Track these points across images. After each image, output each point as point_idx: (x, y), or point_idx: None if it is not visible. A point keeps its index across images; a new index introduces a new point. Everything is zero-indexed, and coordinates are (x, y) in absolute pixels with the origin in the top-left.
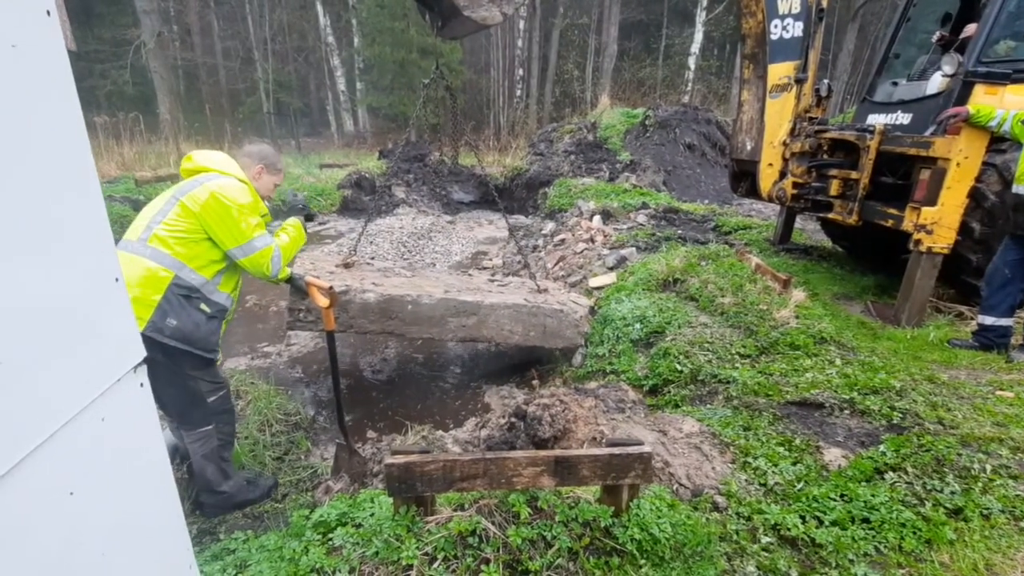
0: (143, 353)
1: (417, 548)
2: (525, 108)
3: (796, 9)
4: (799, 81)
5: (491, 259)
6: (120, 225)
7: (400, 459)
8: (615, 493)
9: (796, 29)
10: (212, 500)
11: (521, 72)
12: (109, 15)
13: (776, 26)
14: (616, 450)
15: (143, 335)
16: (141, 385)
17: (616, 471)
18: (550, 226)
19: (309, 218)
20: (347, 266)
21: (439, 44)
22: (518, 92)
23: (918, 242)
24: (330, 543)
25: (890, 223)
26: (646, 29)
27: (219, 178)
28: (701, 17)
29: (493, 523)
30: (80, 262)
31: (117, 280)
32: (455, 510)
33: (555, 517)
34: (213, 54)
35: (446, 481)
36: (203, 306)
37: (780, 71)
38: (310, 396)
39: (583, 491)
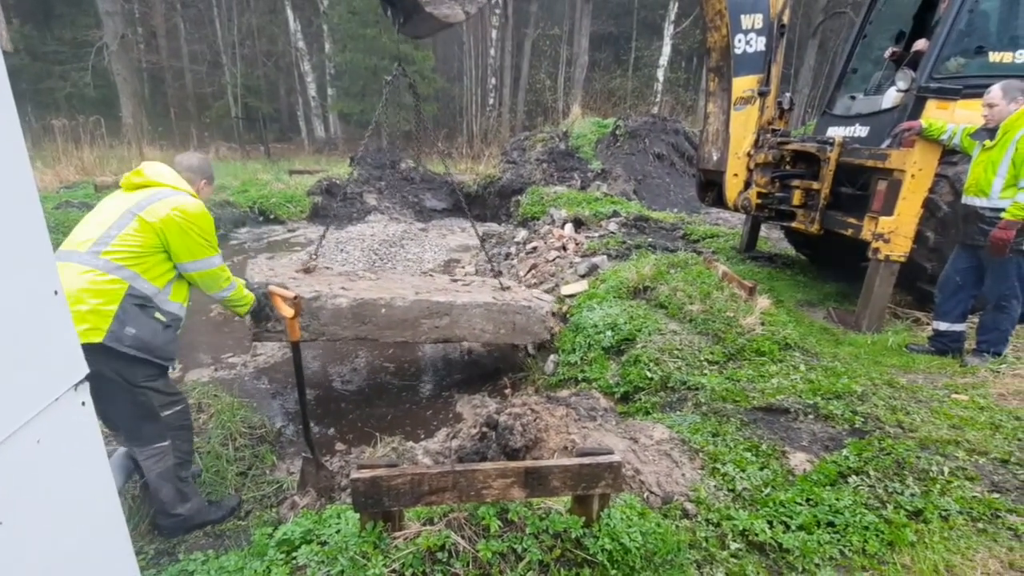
0: (85, 370)
1: (384, 565)
2: (498, 116)
3: (759, 24)
4: (762, 94)
5: (463, 267)
6: None
7: (366, 473)
8: (586, 503)
9: (759, 44)
10: (168, 523)
11: (494, 81)
12: (70, 15)
13: (740, 40)
14: (586, 460)
15: (103, 345)
16: (83, 404)
17: (586, 481)
18: (522, 234)
19: (256, 314)
20: (308, 271)
21: (411, 52)
22: (491, 101)
23: (876, 250)
24: (294, 562)
25: (850, 232)
26: (616, 41)
27: (175, 194)
28: (669, 31)
29: (463, 537)
30: (14, 274)
31: (56, 293)
32: (424, 524)
33: (526, 529)
34: (179, 57)
35: (414, 495)
36: (157, 315)
37: (744, 84)
38: (277, 408)
39: (554, 501)
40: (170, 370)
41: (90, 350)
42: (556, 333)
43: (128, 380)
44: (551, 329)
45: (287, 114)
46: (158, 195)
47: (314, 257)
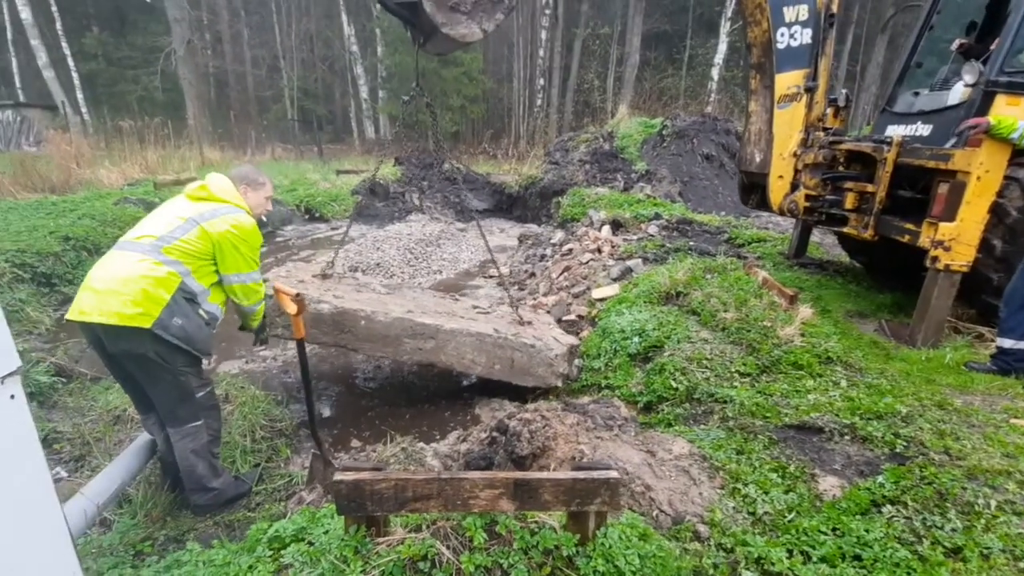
0: (17, 363)
1: (362, 572)
2: (545, 117)
3: (804, 16)
4: (809, 90)
5: (501, 266)
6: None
7: (350, 476)
8: (581, 520)
9: (804, 36)
10: (203, 499)
11: (542, 82)
12: (142, 22)
13: (783, 34)
14: (581, 474)
15: (150, 331)
16: (12, 397)
17: (581, 497)
18: (559, 235)
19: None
20: (324, 277)
21: (459, 54)
22: (538, 102)
23: (935, 259)
24: (280, 560)
25: (907, 239)
26: (669, 39)
27: (235, 211)
28: (726, 28)
29: (448, 547)
30: None
31: None
32: (410, 531)
33: (513, 544)
34: (242, 62)
35: (398, 501)
36: (201, 311)
37: (788, 80)
38: (299, 402)
39: (550, 516)
40: (204, 363)
41: (137, 333)
42: (573, 376)
43: (169, 364)
44: (561, 375)
45: (341, 116)
46: (221, 210)
47: (330, 265)
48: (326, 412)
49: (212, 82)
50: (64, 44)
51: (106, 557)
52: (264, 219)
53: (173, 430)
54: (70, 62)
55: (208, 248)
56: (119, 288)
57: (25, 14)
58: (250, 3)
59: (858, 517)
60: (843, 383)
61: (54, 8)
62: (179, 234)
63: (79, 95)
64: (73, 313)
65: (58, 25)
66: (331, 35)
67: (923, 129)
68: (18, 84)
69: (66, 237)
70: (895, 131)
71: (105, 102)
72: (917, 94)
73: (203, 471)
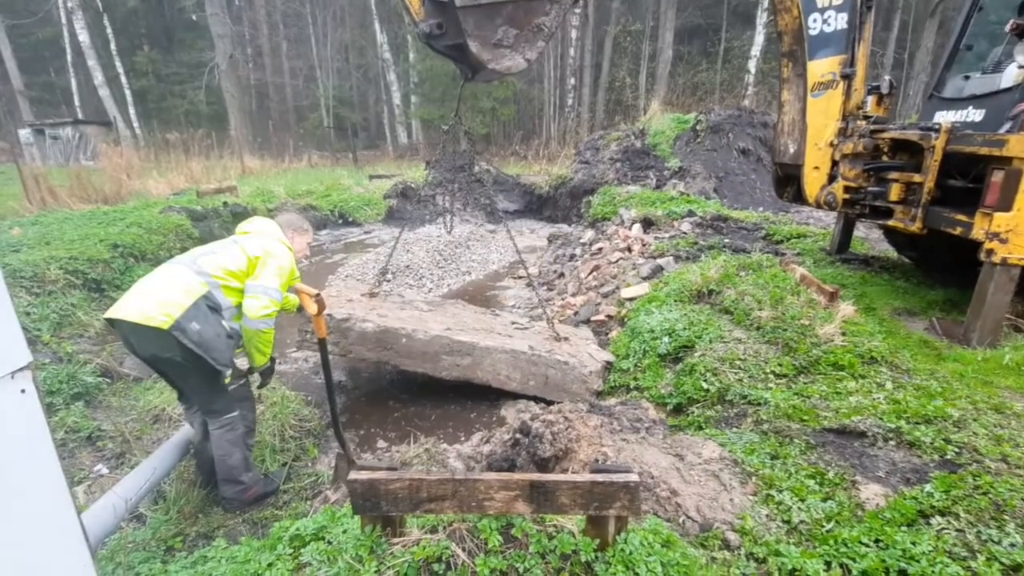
0: (28, 357)
1: (377, 572)
2: (576, 117)
3: (838, 0)
4: (846, 77)
5: (529, 267)
6: (176, 234)
7: (364, 475)
8: (600, 524)
9: (839, 21)
10: (232, 491)
11: (573, 81)
12: (188, 39)
13: (815, 20)
14: (599, 477)
15: (168, 333)
16: (23, 392)
17: (599, 500)
18: (589, 235)
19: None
20: (372, 295)
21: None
22: (569, 101)
23: (990, 252)
24: (300, 559)
25: (958, 231)
26: (704, 33)
27: (275, 242)
28: (762, 19)
29: (463, 549)
30: None
31: None
32: (427, 532)
33: (529, 547)
34: (281, 73)
35: (412, 502)
36: (224, 323)
37: (822, 67)
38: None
39: (567, 520)
40: (223, 376)
41: (158, 335)
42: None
43: (196, 367)
44: (595, 391)
45: (375, 123)
46: (259, 239)
47: (377, 284)
48: (351, 410)
49: (253, 94)
50: (118, 63)
51: (138, 552)
52: (305, 260)
53: (211, 422)
54: (123, 80)
55: (242, 263)
56: (153, 292)
57: (83, 36)
58: (288, 16)
59: (904, 528)
60: (888, 385)
61: (109, 30)
62: (217, 248)
63: (131, 111)
64: (108, 311)
65: (112, 45)
66: (365, 43)
67: (974, 114)
68: (77, 103)
69: (115, 245)
70: (944, 117)
71: (155, 116)
72: (967, 78)
73: (236, 462)
